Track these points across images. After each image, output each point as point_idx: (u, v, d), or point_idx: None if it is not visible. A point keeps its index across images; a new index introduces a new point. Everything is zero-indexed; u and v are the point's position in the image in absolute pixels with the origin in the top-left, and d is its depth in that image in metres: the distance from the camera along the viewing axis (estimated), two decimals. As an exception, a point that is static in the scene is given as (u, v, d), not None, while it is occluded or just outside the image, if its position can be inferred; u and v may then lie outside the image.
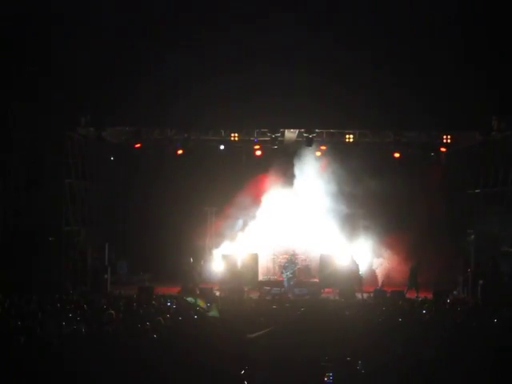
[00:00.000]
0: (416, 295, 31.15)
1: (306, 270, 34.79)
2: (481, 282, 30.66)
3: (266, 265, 35.43)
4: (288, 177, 36.67)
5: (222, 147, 35.52)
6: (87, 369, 16.48)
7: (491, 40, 28.67)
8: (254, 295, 30.87)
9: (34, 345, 15.86)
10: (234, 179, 36.15)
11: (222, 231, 36.40)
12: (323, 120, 31.52)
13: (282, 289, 32.76)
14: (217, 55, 29.44)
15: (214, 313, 20.53)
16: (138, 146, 35.57)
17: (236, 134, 33.93)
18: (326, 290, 32.90)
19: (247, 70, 29.08)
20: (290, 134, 34.34)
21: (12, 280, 27.01)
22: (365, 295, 30.80)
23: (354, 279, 33.30)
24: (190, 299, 22.91)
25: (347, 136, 33.70)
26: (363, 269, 34.83)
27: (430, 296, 29.21)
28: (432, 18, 29.13)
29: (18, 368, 15.19)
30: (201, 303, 21.88)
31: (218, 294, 30.69)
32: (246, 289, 32.26)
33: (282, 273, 33.49)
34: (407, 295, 30.88)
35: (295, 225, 36.57)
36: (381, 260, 35.49)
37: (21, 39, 28.84)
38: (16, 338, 16.06)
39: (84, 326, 17.82)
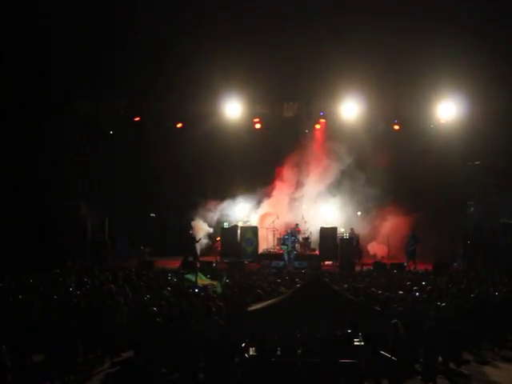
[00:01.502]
0: (414, 267, 31.26)
1: (306, 243, 34.80)
2: (481, 253, 30.74)
3: (266, 238, 35.39)
4: (290, 152, 36.57)
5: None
6: (89, 340, 16.65)
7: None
8: (254, 268, 30.93)
9: (33, 318, 15.96)
10: (235, 152, 35.91)
11: (222, 205, 36.37)
12: (323, 92, 31.55)
13: (282, 262, 32.79)
14: (217, 28, 29.25)
15: (217, 289, 20.56)
16: (138, 119, 35.46)
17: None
18: (326, 262, 32.93)
19: (247, 43, 28.93)
20: (290, 106, 34.23)
21: (11, 255, 27.05)
22: (365, 268, 30.83)
23: (354, 252, 33.42)
24: (189, 276, 22.90)
25: (345, 107, 33.70)
26: (363, 241, 34.98)
27: (430, 268, 29.30)
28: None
29: (17, 341, 15.32)
30: (201, 280, 21.89)
31: (215, 265, 30.84)
32: (245, 262, 32.33)
33: (282, 246, 33.49)
34: (407, 268, 30.97)
35: (297, 198, 36.72)
36: (381, 232, 35.54)
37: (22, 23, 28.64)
38: (16, 312, 16.16)
39: (84, 299, 17.90)
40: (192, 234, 33.21)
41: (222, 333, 15.12)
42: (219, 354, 14.87)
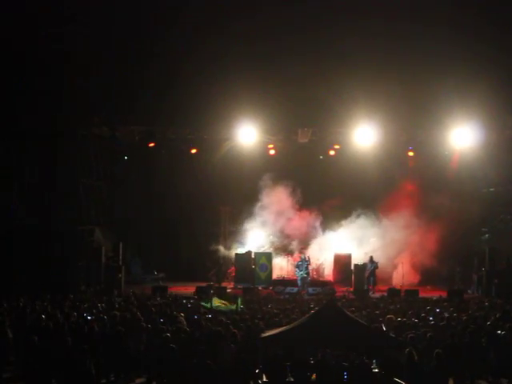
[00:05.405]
0: (373, 291, 31.81)
1: (320, 269, 34.72)
2: (496, 281, 30.55)
3: (279, 264, 35.33)
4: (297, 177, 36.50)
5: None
6: (102, 365, 16.61)
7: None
8: (268, 294, 30.83)
9: (49, 343, 15.95)
10: (248, 178, 35.90)
11: (236, 230, 36.39)
12: (337, 118, 31.58)
13: (296, 288, 32.69)
14: (232, 54, 29.37)
15: (229, 314, 20.48)
16: (152, 145, 35.56)
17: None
18: (340, 288, 32.79)
19: (259, 69, 29.03)
20: (304, 132, 34.24)
21: (27, 279, 27.15)
22: (379, 294, 30.69)
23: (368, 278, 33.25)
24: (204, 302, 22.90)
25: (360, 133, 33.52)
26: (377, 268, 34.78)
27: (444, 295, 29.14)
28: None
29: (33, 367, 15.32)
30: (216, 301, 21.85)
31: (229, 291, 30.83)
32: (259, 288, 32.28)
33: (296, 272, 33.35)
34: (421, 294, 30.81)
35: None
36: (394, 259, 35.39)
37: (35, 44, 28.88)
38: (31, 337, 16.16)
39: (98, 324, 17.91)
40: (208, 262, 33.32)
41: (235, 359, 15.07)
42: (233, 380, 14.80)
